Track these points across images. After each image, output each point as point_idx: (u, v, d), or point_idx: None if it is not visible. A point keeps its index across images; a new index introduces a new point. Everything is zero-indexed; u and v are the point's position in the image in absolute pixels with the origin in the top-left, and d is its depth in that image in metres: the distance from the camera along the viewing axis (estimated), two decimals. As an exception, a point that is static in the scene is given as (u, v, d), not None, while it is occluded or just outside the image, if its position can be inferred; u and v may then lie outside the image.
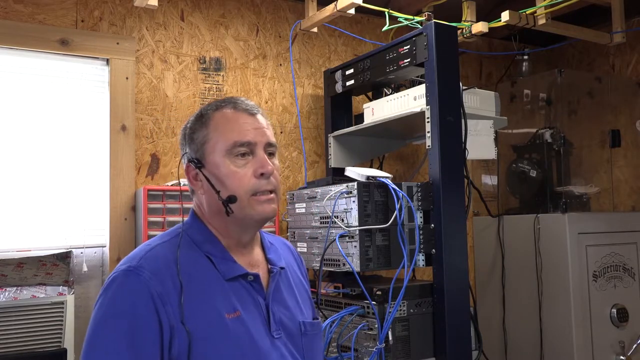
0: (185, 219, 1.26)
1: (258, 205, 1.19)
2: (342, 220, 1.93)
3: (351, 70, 2.37)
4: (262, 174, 1.19)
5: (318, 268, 2.00)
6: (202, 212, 1.25)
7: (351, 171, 2.01)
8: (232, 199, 1.18)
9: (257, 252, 1.29)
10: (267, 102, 2.58)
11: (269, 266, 1.27)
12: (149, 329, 1.07)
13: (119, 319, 1.08)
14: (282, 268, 1.29)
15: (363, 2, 2.23)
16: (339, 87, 2.45)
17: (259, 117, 1.25)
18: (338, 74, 2.45)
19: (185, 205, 2.11)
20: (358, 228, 1.86)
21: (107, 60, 2.25)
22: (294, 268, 1.39)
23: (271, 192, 1.21)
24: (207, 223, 1.24)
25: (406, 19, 2.35)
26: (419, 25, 2.32)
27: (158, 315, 1.08)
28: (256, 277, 1.21)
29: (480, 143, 2.12)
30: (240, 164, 1.19)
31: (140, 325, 1.07)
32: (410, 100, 2.10)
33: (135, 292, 1.09)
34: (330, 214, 1.96)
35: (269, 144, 1.23)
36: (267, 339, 1.18)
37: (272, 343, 1.18)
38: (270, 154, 1.23)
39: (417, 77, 2.28)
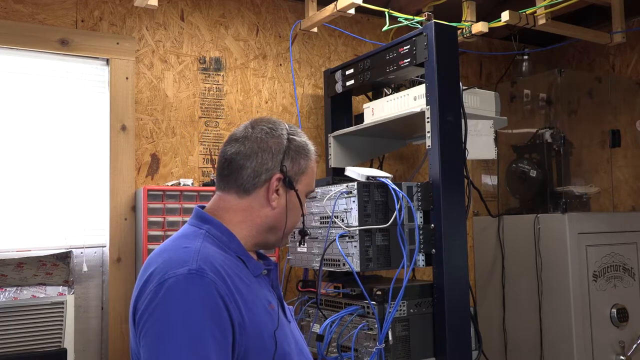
0: (191, 220, 1.27)
1: (285, 241, 1.37)
2: (342, 220, 1.93)
3: (351, 70, 2.37)
4: (302, 215, 1.36)
5: (318, 268, 2.00)
6: (231, 216, 1.26)
7: (351, 171, 2.01)
8: (307, 233, 1.39)
9: None
10: (267, 102, 2.58)
11: (263, 261, 1.35)
12: (226, 326, 1.07)
13: (200, 316, 1.04)
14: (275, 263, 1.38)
15: (363, 2, 2.23)
16: (339, 87, 2.45)
17: None
18: (338, 74, 2.45)
19: (185, 206, 2.12)
20: (358, 228, 1.86)
21: (107, 60, 2.25)
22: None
23: None
24: (228, 224, 1.25)
25: (406, 19, 2.35)
26: (419, 25, 2.32)
27: (229, 315, 1.08)
28: (269, 270, 1.29)
29: (480, 143, 2.12)
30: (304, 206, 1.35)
31: (220, 321, 1.06)
32: (410, 100, 2.10)
33: (206, 292, 1.07)
34: (330, 214, 1.96)
35: None
36: (288, 325, 1.28)
37: (290, 328, 1.28)
38: None
39: (417, 77, 2.28)
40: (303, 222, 1.41)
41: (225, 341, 1.06)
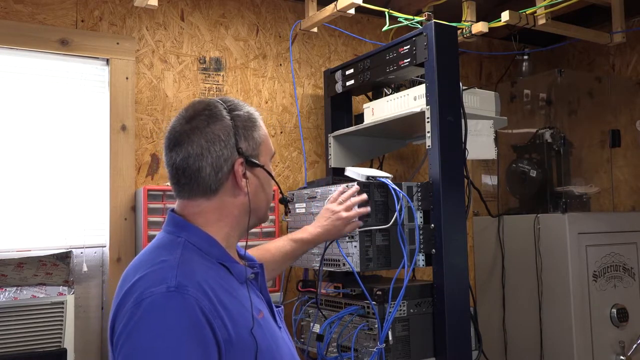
0: (167, 227, 1.18)
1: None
2: (342, 220, 1.93)
3: (351, 70, 2.37)
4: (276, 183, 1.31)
5: (318, 268, 2.00)
6: (206, 219, 1.17)
7: (351, 171, 2.01)
8: (288, 200, 1.32)
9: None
10: (267, 102, 2.58)
11: (247, 263, 1.28)
12: (210, 345, 1.00)
13: (182, 339, 0.97)
14: (261, 264, 1.30)
15: (363, 2, 2.23)
16: (339, 87, 2.45)
17: None
18: (338, 74, 2.45)
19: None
20: (358, 229, 1.85)
21: (107, 60, 2.25)
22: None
23: None
24: (204, 227, 1.17)
25: (406, 19, 2.35)
26: (419, 25, 2.32)
27: (213, 332, 1.01)
28: (256, 274, 1.23)
29: (480, 143, 2.12)
30: None
31: (204, 341, 0.99)
32: (410, 100, 2.10)
33: (188, 311, 0.99)
34: (330, 214, 1.96)
35: None
36: (279, 330, 1.22)
37: (281, 333, 1.22)
38: None
39: (417, 77, 2.28)
40: (281, 192, 1.36)
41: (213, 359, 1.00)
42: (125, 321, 1.00)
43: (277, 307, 1.32)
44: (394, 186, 1.89)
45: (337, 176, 2.11)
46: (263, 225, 2.20)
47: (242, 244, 1.30)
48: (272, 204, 2.10)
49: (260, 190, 1.22)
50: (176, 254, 1.09)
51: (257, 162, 1.19)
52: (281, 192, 1.38)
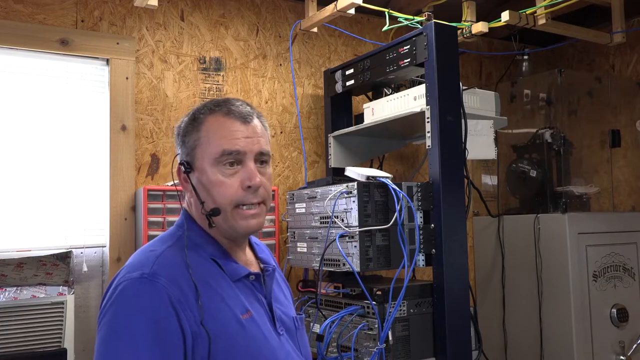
0: (177, 219, 1.26)
1: (242, 220, 1.17)
2: (342, 220, 1.93)
3: (351, 70, 2.37)
4: (249, 187, 1.16)
5: (318, 268, 2.00)
6: (194, 214, 1.24)
7: (351, 171, 2.01)
8: (215, 212, 1.16)
9: (249, 252, 1.32)
10: (267, 102, 2.58)
11: (262, 265, 1.30)
12: (173, 334, 1.04)
13: (142, 323, 1.03)
14: (274, 267, 1.32)
15: (363, 2, 2.23)
16: (339, 87, 2.45)
17: (254, 123, 1.21)
18: (338, 74, 2.45)
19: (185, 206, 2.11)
20: (358, 230, 1.85)
21: (107, 60, 2.25)
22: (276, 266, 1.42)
23: (259, 204, 1.19)
24: (202, 224, 1.22)
25: (406, 19, 2.35)
26: (419, 25, 2.32)
27: (179, 322, 1.05)
28: (257, 276, 1.23)
29: (480, 143, 2.12)
30: (228, 174, 1.16)
31: (164, 329, 1.03)
32: (410, 100, 2.10)
33: (154, 298, 1.05)
34: (331, 214, 1.96)
35: (261, 153, 1.20)
36: (275, 336, 1.20)
37: (279, 340, 1.21)
38: (263, 162, 1.22)
39: (417, 77, 2.28)
40: (201, 202, 1.18)
41: (170, 348, 1.03)
42: (104, 303, 1.09)
43: (298, 314, 1.32)
44: (394, 186, 1.89)
45: (337, 176, 2.12)
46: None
47: (267, 242, 1.30)
48: (272, 204, 2.11)
49: (200, 194, 1.19)
50: (165, 245, 1.16)
51: (187, 167, 1.21)
52: (202, 204, 1.19)
